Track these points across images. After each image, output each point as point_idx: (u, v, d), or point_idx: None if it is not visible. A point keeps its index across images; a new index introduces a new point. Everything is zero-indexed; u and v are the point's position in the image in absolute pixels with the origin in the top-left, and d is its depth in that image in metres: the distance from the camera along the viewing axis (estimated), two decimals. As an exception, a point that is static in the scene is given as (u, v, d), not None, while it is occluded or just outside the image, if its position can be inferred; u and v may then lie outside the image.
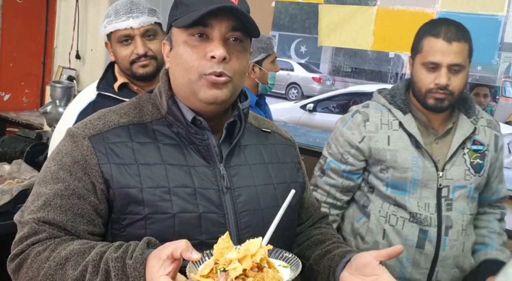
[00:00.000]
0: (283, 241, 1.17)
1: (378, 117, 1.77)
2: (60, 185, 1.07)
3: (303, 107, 3.58)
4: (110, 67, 1.97)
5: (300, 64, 3.54)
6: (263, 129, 1.29)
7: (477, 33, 2.85)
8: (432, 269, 1.74)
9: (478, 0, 2.83)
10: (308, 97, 3.64)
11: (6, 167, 2.52)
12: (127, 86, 1.91)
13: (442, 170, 1.73)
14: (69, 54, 4.16)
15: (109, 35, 1.89)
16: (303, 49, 3.49)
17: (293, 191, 1.08)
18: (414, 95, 1.75)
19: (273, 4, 3.52)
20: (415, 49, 1.72)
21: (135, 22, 1.82)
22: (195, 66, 1.08)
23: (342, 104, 3.54)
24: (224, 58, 1.07)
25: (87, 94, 1.92)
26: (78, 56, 4.11)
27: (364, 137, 1.76)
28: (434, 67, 1.66)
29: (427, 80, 1.67)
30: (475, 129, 1.78)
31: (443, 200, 1.73)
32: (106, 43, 1.95)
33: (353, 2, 3.25)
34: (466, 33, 1.69)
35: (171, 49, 1.14)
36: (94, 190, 1.07)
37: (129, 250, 0.97)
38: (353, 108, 1.85)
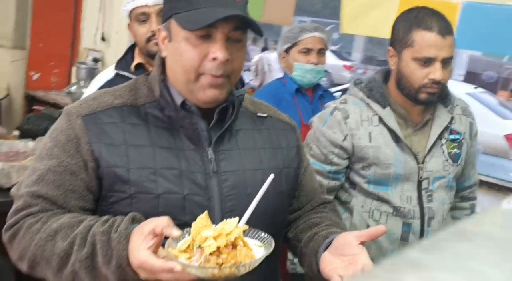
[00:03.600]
0: (270, 228, 1.16)
1: (358, 113, 1.72)
2: (54, 161, 1.12)
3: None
4: (131, 48, 2.03)
5: (332, 51, 3.49)
6: (258, 114, 1.30)
7: (506, 25, 2.79)
8: None
9: (504, -9, 2.75)
10: (338, 85, 3.60)
11: (30, 143, 2.61)
12: (143, 67, 1.96)
13: (422, 163, 1.72)
14: (95, 36, 4.23)
15: (130, 16, 1.95)
16: (334, 36, 3.41)
17: (272, 175, 1.09)
18: (401, 89, 1.68)
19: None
20: (403, 42, 1.64)
21: (150, 0, 1.87)
22: (195, 66, 1.10)
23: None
24: (227, 60, 1.09)
25: (107, 73, 2.00)
26: (103, 38, 4.18)
27: (347, 135, 1.70)
28: (427, 61, 1.60)
29: (420, 75, 1.61)
30: (452, 118, 1.76)
31: (423, 192, 1.72)
32: (128, 25, 2.00)
33: (377, -11, 3.19)
34: (451, 24, 1.63)
35: (170, 40, 1.14)
36: (86, 168, 1.12)
37: (114, 225, 1.02)
38: (331, 104, 1.78)
